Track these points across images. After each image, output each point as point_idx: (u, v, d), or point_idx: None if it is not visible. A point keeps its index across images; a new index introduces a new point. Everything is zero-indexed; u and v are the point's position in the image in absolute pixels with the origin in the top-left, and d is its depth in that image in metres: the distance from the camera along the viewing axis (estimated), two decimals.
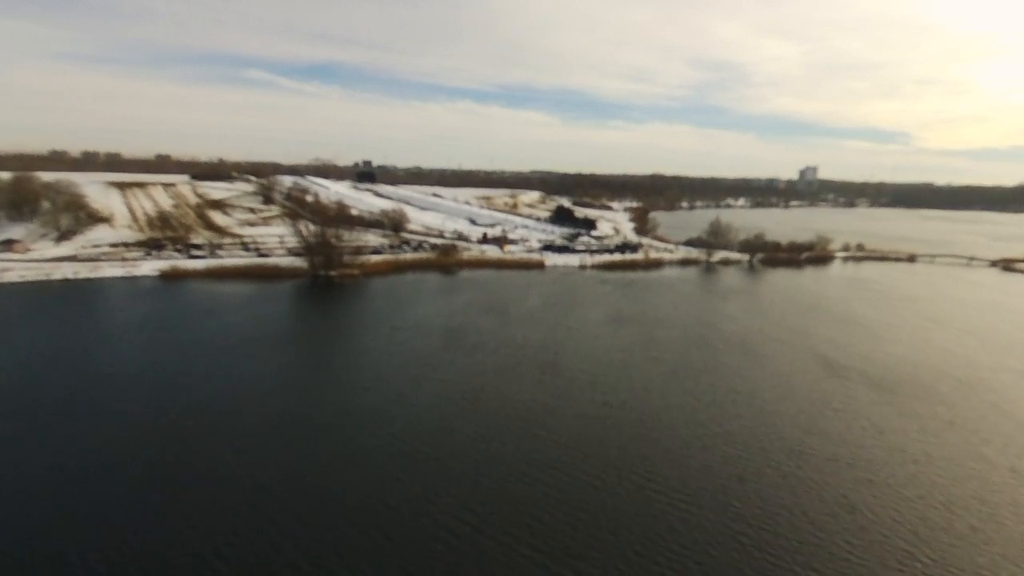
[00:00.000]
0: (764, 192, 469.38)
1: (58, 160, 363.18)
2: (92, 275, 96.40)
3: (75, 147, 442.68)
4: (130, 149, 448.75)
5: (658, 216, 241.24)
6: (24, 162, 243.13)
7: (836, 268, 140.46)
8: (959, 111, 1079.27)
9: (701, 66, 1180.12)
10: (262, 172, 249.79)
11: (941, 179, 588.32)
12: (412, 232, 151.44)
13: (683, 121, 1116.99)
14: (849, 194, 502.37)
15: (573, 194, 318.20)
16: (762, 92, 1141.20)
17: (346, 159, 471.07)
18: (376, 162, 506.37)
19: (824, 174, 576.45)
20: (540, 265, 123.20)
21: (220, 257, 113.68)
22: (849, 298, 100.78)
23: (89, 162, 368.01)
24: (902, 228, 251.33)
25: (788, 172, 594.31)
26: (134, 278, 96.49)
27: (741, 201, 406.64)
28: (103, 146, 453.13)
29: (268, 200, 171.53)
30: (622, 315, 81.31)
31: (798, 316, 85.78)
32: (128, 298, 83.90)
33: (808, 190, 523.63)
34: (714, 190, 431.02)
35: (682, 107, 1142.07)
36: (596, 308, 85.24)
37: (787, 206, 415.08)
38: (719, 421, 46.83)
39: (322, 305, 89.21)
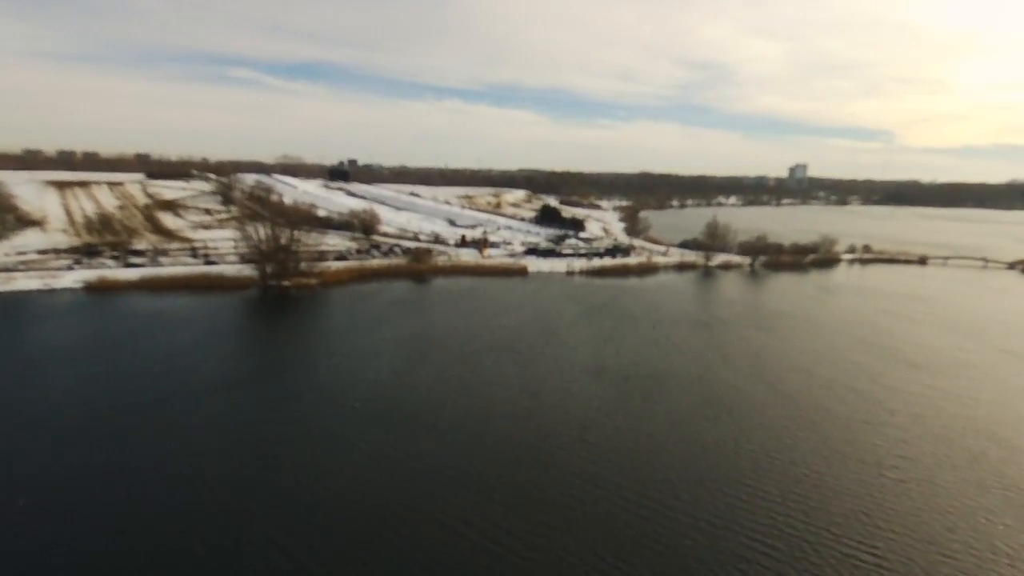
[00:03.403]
0: (754, 190, 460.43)
1: (32, 159, 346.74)
2: (3, 288, 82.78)
3: (53, 146, 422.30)
4: (111, 149, 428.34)
5: (649, 215, 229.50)
6: None
7: (844, 272, 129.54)
8: (940, 110, 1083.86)
9: (687, 65, 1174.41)
10: (234, 171, 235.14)
11: (924, 177, 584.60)
12: (384, 235, 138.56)
13: (670, 120, 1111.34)
14: (839, 192, 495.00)
15: (560, 192, 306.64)
16: (747, 91, 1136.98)
17: (331, 158, 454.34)
18: (361, 161, 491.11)
19: (811, 172, 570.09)
20: (523, 272, 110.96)
21: (161, 265, 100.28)
22: (868, 311, 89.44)
23: (65, 161, 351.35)
24: (904, 228, 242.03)
25: (775, 170, 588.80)
26: (52, 291, 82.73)
27: (732, 199, 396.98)
28: (84, 146, 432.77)
29: (227, 200, 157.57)
30: (614, 339, 69.17)
31: (816, 335, 74.30)
32: (32, 318, 70.55)
33: (799, 188, 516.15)
34: (704, 188, 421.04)
35: (668, 106, 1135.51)
36: (584, 327, 73.10)
37: (779, 204, 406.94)
38: (754, 507, 34.67)
39: (260, 325, 76.49)
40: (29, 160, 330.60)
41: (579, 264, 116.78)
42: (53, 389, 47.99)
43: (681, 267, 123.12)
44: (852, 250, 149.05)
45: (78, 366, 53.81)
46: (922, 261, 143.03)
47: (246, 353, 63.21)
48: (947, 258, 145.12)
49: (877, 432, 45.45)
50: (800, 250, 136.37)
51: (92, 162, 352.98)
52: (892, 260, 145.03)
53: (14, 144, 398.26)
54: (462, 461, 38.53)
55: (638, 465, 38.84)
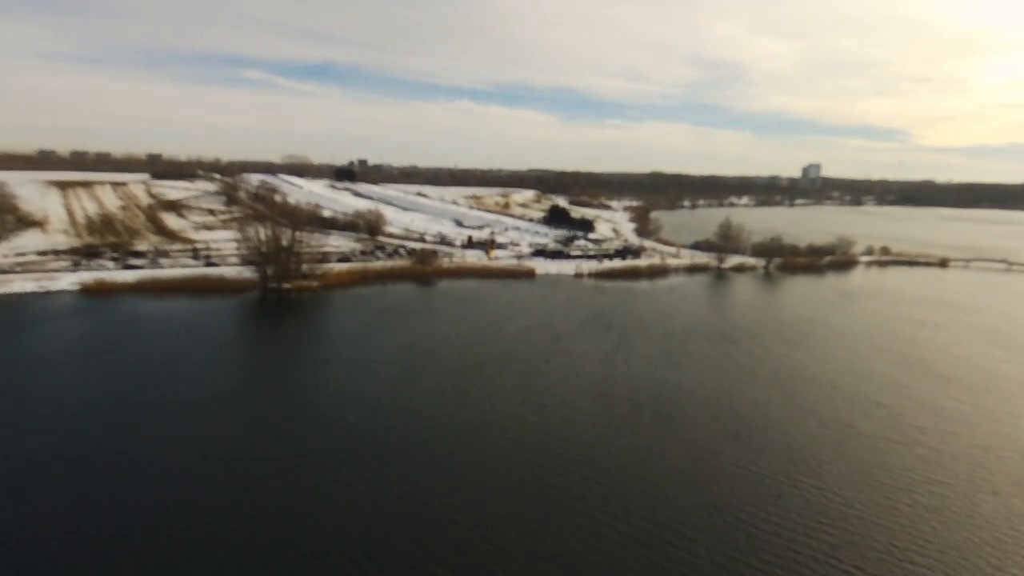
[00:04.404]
0: (767, 190, 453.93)
1: (45, 160, 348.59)
2: None
3: (67, 148, 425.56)
4: (124, 150, 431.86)
5: (660, 216, 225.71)
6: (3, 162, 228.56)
7: (862, 275, 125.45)
8: (955, 108, 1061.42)
9: (697, 65, 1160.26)
10: (243, 171, 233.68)
11: (939, 176, 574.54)
12: (390, 236, 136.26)
13: (680, 119, 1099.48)
14: (853, 192, 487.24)
15: (570, 192, 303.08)
16: (758, 90, 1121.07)
17: (342, 158, 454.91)
18: (372, 161, 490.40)
19: (824, 172, 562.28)
20: (530, 274, 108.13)
21: (161, 267, 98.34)
22: (890, 317, 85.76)
23: (77, 162, 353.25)
24: (921, 229, 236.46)
25: (787, 170, 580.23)
26: (48, 294, 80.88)
27: (744, 200, 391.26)
28: (97, 147, 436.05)
29: (232, 201, 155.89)
30: (624, 348, 66.02)
31: (837, 343, 70.79)
32: (24, 322, 68.51)
33: (812, 188, 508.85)
34: (715, 188, 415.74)
35: (679, 105, 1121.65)
36: (592, 335, 69.91)
37: (792, 204, 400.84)
38: (776, 541, 31.48)
39: (256, 330, 74.12)
40: (43, 161, 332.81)
41: (588, 266, 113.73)
42: (33, 399, 45.75)
43: (693, 269, 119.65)
44: (870, 252, 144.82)
45: (63, 374, 51.62)
46: (942, 264, 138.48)
47: (237, 362, 60.79)
48: (968, 260, 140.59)
49: (907, 452, 42.14)
50: (816, 252, 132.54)
51: (104, 163, 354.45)
52: (911, 262, 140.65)
53: (29, 145, 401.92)
54: (459, 483, 35.74)
55: (648, 490, 35.85)
